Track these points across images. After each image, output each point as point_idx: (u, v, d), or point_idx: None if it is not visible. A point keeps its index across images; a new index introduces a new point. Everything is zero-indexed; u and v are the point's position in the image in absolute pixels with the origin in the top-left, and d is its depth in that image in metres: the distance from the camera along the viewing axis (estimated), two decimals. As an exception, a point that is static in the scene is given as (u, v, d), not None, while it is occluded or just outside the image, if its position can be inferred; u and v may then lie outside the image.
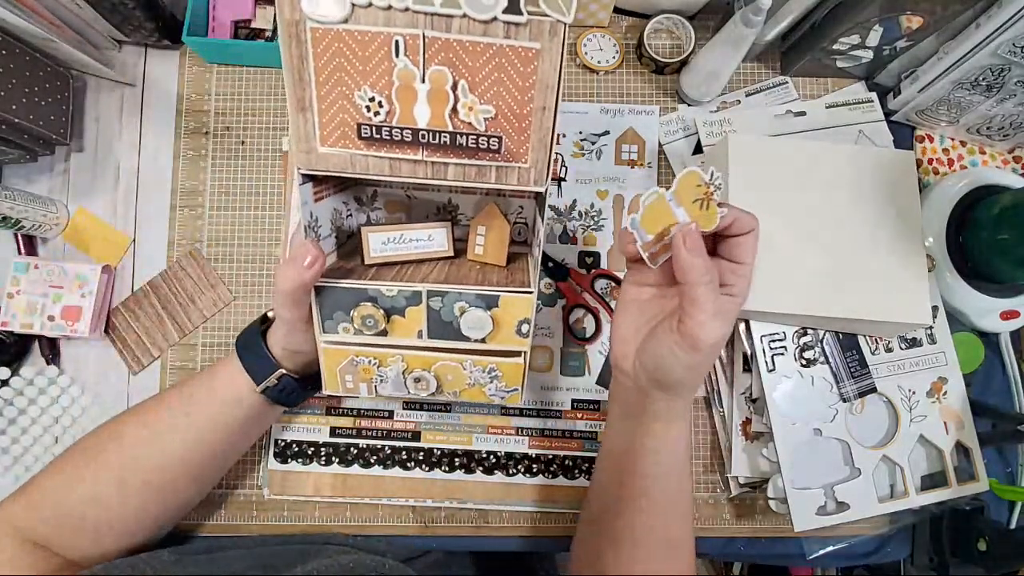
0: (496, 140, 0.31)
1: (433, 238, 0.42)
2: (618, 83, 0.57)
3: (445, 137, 0.31)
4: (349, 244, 0.46)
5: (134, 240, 0.55)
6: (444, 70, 0.30)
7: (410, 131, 0.31)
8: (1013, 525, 0.54)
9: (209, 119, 0.56)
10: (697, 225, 0.34)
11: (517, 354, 0.39)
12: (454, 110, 0.31)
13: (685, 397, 0.40)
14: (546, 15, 0.29)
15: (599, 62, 0.57)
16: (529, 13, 0.29)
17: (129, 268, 0.54)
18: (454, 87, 0.31)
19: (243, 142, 0.56)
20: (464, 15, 0.29)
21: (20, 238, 0.53)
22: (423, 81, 0.31)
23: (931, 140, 0.58)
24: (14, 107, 0.46)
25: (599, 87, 0.57)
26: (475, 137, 0.31)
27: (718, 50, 0.50)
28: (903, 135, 0.58)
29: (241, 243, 0.55)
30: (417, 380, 0.39)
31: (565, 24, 0.29)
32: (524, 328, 0.38)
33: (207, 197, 0.55)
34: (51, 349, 0.53)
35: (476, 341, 0.38)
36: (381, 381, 0.40)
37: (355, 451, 0.52)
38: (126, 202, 0.55)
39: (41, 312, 0.51)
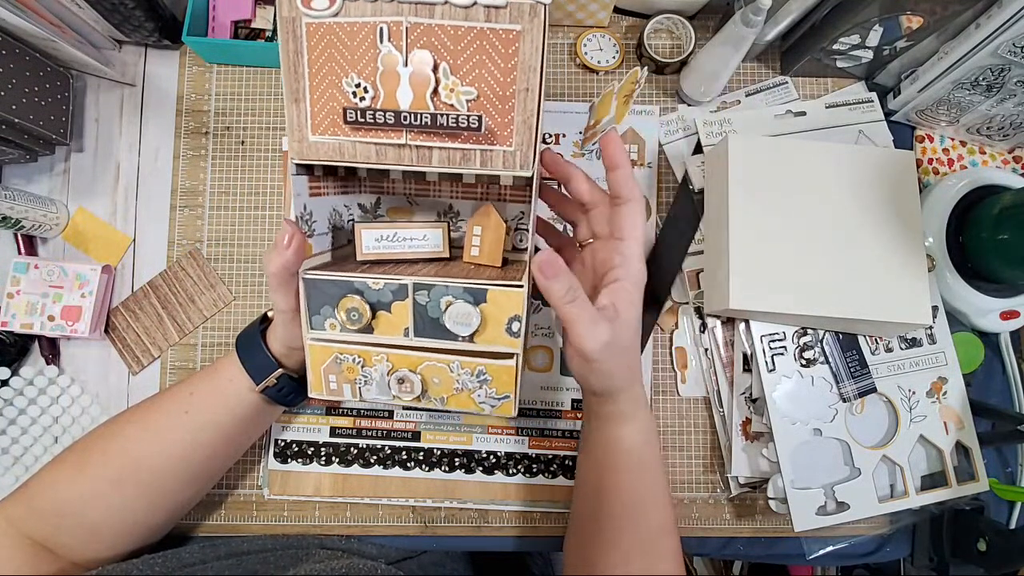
0: (476, 119, 0.31)
1: (428, 238, 0.42)
2: (618, 83, 0.57)
3: (426, 118, 0.31)
4: (350, 247, 0.46)
5: (134, 240, 0.55)
6: (425, 53, 0.31)
7: (392, 114, 0.31)
8: (1013, 525, 0.54)
9: (209, 119, 0.56)
10: (613, 125, 0.39)
11: (509, 356, 0.37)
12: (435, 92, 0.32)
13: (621, 398, 0.40)
14: None
15: (599, 62, 0.57)
16: None
17: (129, 268, 0.54)
18: (435, 69, 0.31)
19: (243, 142, 0.56)
20: (445, 1, 0.30)
21: (20, 238, 0.53)
22: (405, 65, 0.31)
23: (931, 140, 0.58)
24: (14, 107, 0.46)
25: (599, 87, 0.57)
26: (455, 117, 0.31)
27: (718, 50, 0.50)
28: (903, 135, 0.58)
29: (241, 243, 0.55)
30: (401, 381, 0.38)
31: (545, 5, 0.30)
32: (515, 326, 0.36)
33: (207, 197, 0.55)
34: (51, 349, 0.53)
35: (463, 339, 0.36)
36: (365, 382, 0.38)
37: (355, 451, 0.52)
38: (126, 202, 0.55)
39: (41, 312, 0.51)
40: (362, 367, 0.38)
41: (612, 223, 0.38)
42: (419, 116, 0.31)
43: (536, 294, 0.51)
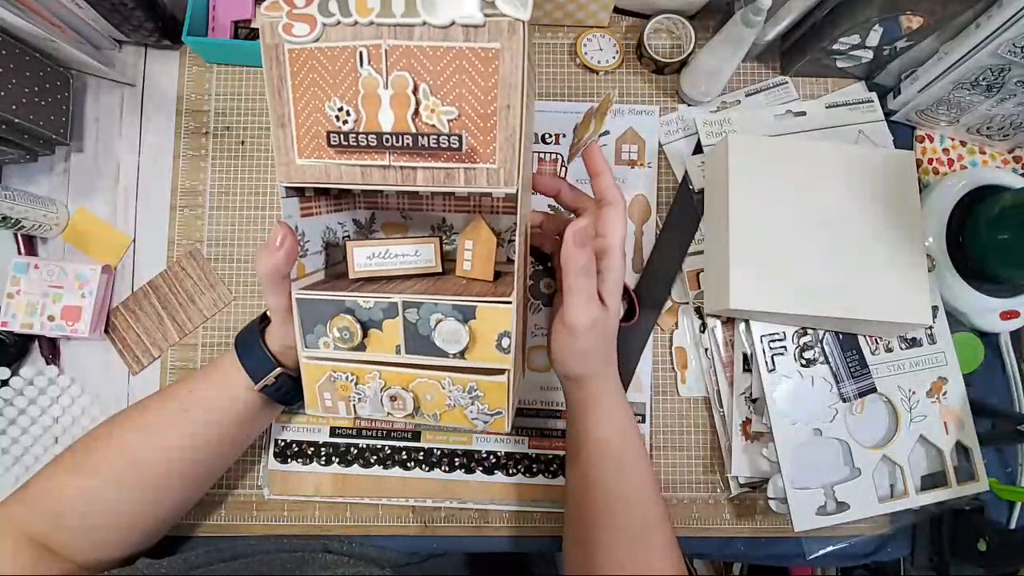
0: (456, 138, 0.31)
1: (420, 253, 0.42)
2: (618, 83, 0.57)
3: (408, 139, 0.32)
4: (344, 264, 0.45)
5: (134, 240, 0.55)
6: (405, 75, 0.31)
7: (375, 136, 0.32)
8: (1013, 525, 0.54)
9: (209, 119, 0.56)
10: (593, 139, 0.41)
11: (500, 372, 0.36)
12: (416, 113, 0.32)
13: (594, 384, 0.42)
14: (503, 15, 0.29)
15: (599, 62, 0.57)
16: (486, 15, 0.29)
17: (129, 268, 0.54)
18: (415, 90, 0.31)
19: (243, 142, 0.56)
20: (424, 23, 0.30)
21: (20, 238, 0.53)
22: (386, 87, 0.31)
23: (931, 140, 0.58)
24: (14, 107, 0.46)
25: (599, 87, 0.57)
26: (436, 137, 0.31)
27: (718, 50, 0.50)
28: (903, 135, 0.58)
29: (241, 243, 0.55)
30: (393, 398, 0.37)
31: (523, 22, 0.30)
32: (505, 342, 0.35)
33: (207, 197, 0.55)
34: (51, 349, 0.53)
35: (454, 356, 0.36)
36: (359, 400, 0.38)
37: (355, 451, 0.52)
38: (126, 202, 0.55)
39: (41, 312, 0.51)
40: (355, 385, 0.38)
41: (597, 223, 0.41)
42: (400, 137, 0.32)
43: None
